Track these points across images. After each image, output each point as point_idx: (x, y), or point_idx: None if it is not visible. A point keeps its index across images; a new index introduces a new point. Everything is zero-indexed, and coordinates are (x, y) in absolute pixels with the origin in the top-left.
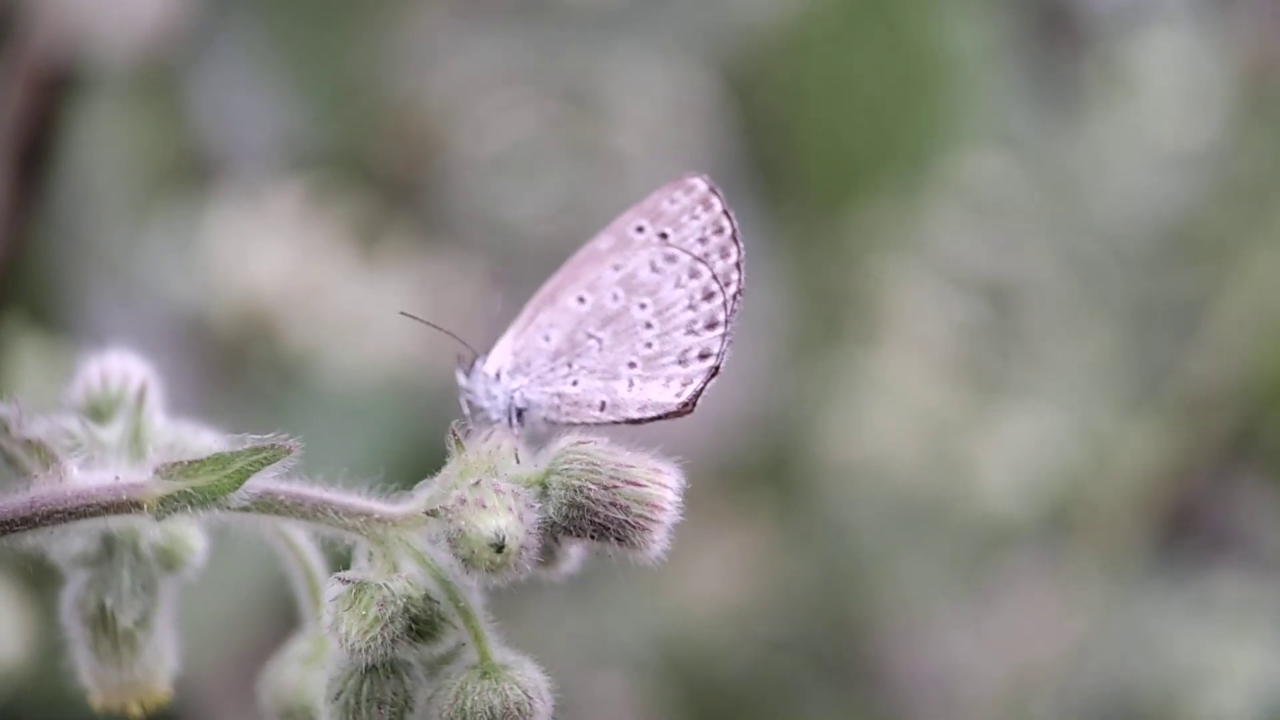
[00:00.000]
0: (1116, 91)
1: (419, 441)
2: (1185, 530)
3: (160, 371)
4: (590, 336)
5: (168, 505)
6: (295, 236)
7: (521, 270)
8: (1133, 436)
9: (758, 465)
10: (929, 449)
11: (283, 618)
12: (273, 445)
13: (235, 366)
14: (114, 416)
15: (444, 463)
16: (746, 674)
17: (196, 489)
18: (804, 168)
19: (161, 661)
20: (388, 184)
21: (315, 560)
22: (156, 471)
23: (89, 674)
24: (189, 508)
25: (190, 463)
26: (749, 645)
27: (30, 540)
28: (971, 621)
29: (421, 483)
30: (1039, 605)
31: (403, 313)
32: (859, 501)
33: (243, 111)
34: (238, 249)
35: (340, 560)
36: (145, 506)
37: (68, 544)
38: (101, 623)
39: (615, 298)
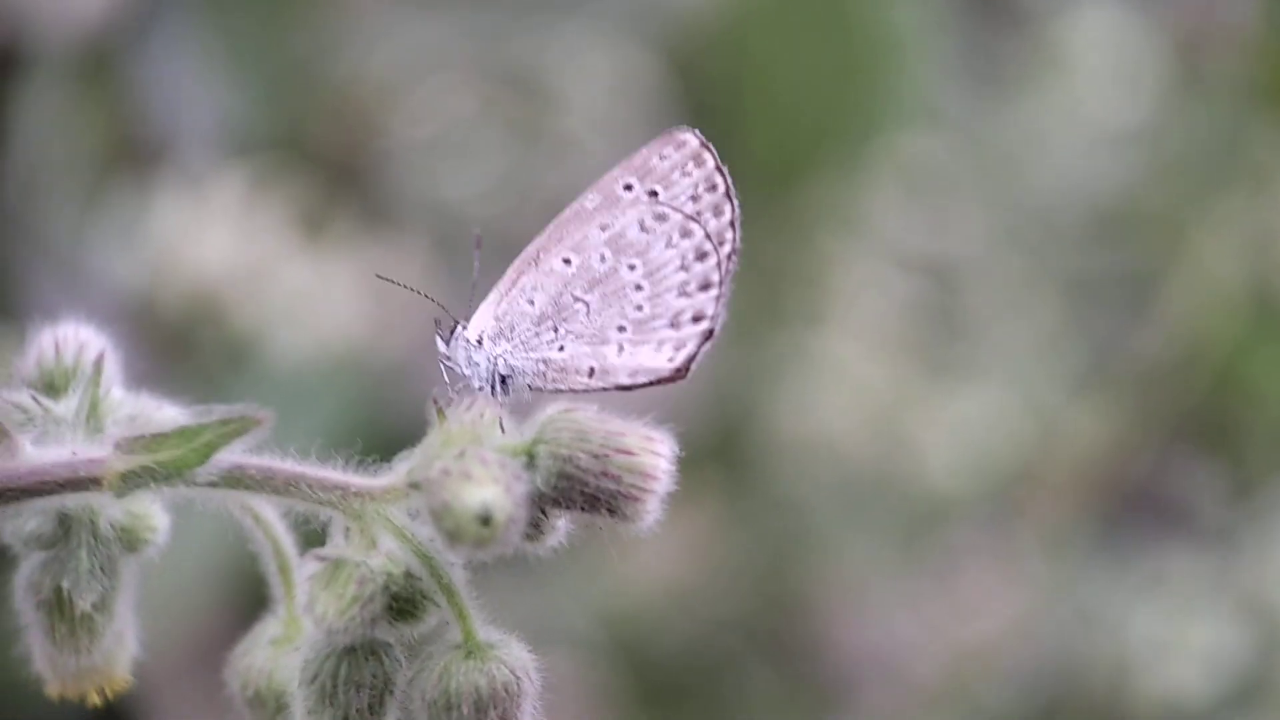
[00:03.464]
0: (1050, 70)
1: (368, 421)
2: (1132, 507)
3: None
4: (577, 300)
5: (129, 482)
6: (239, 220)
7: (464, 251)
8: (1078, 413)
9: (704, 444)
10: (875, 427)
11: (247, 599)
12: (241, 417)
13: (182, 350)
14: (69, 389)
15: (396, 441)
16: (691, 652)
17: (160, 464)
18: (747, 148)
19: (122, 647)
20: (330, 167)
21: (285, 538)
22: (117, 446)
23: (44, 661)
24: (152, 484)
25: (153, 436)
26: (694, 624)
27: None
28: (916, 599)
29: (400, 454)
30: (984, 583)
31: (378, 275)
32: (805, 480)
33: (184, 96)
34: (183, 233)
35: (311, 539)
36: (105, 483)
37: (20, 524)
38: (58, 607)
39: (603, 259)
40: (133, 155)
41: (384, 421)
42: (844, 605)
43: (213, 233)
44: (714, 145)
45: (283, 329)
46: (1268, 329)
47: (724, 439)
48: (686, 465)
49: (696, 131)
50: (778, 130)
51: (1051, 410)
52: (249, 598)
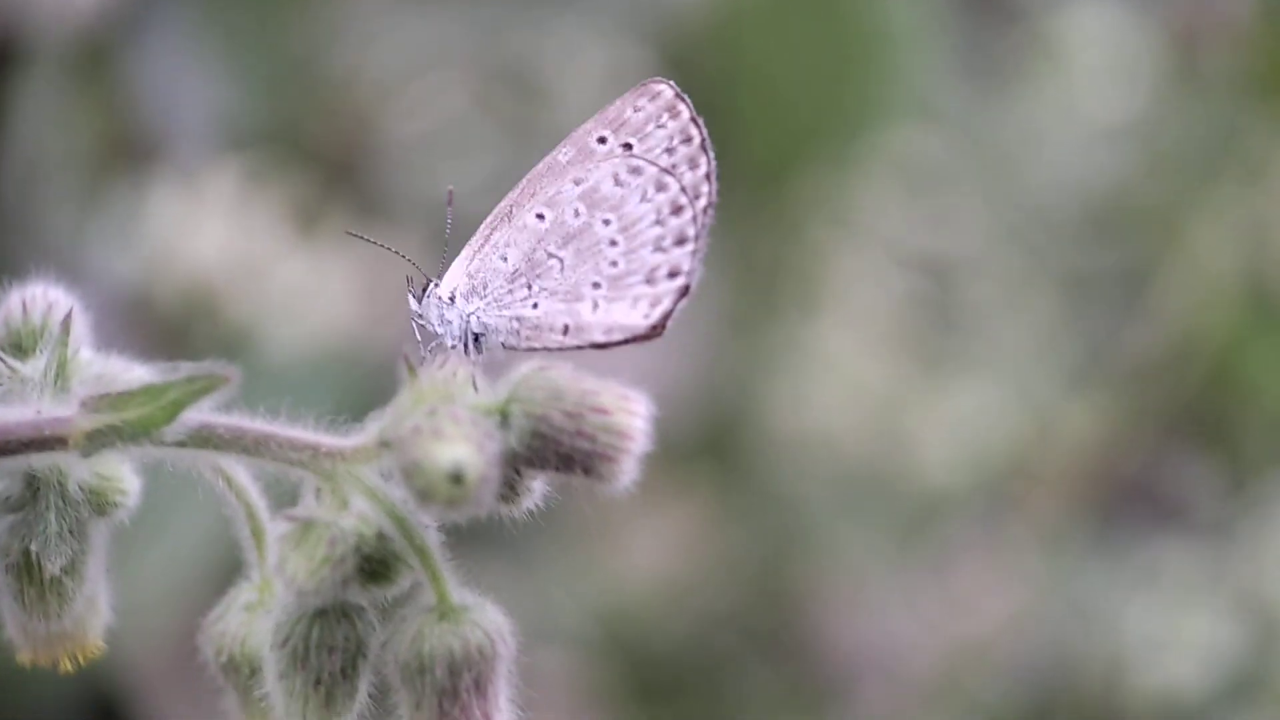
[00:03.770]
0: (1045, 64)
1: (362, 414)
2: (1128, 501)
3: (102, 349)
4: (551, 255)
5: (95, 440)
6: (235, 215)
7: (456, 244)
8: (1073, 408)
9: (698, 439)
10: (870, 422)
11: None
12: (208, 374)
13: (178, 344)
14: (36, 350)
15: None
16: (686, 648)
17: (126, 422)
18: (742, 142)
19: (94, 612)
20: (325, 162)
21: (258, 500)
22: (83, 405)
23: (14, 627)
24: (118, 443)
25: (119, 394)
26: (689, 620)
27: None
28: (912, 594)
29: (371, 414)
30: (980, 578)
31: (349, 232)
32: (800, 475)
33: (180, 91)
34: (178, 228)
35: (286, 501)
36: (70, 442)
37: None
38: (26, 570)
39: (577, 213)
40: (128, 150)
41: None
42: (840, 601)
43: (208, 227)
44: (709, 141)
45: (278, 323)
46: (1263, 323)
47: (719, 434)
48: (682, 460)
49: (671, 82)
50: (773, 125)
51: (1047, 405)
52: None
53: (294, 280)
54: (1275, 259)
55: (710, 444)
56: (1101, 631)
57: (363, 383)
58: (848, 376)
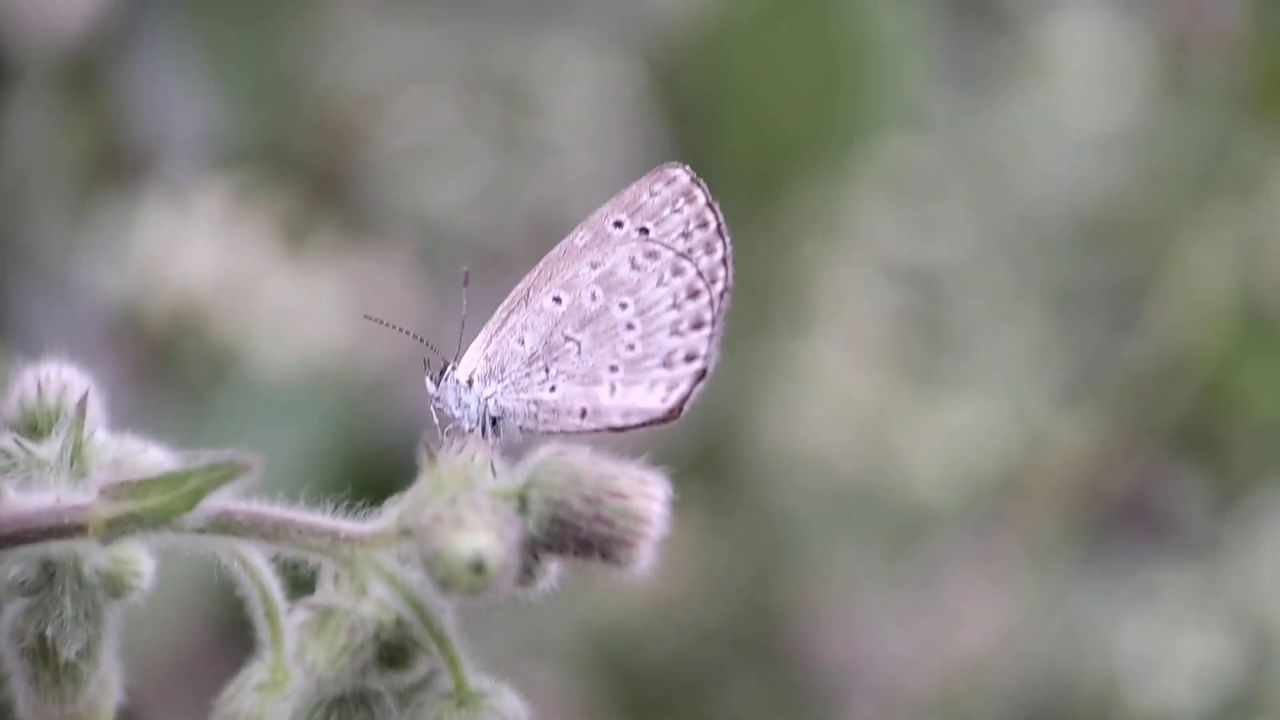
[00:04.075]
0: (1036, 74)
1: (350, 433)
2: (1120, 517)
3: (91, 369)
4: (568, 339)
5: (115, 528)
6: (223, 231)
7: (446, 261)
8: (1065, 423)
9: (689, 454)
10: (861, 437)
11: (231, 614)
12: (229, 462)
13: (166, 362)
14: (52, 431)
15: (378, 455)
16: (675, 662)
17: (147, 510)
18: (731, 155)
19: (106, 694)
20: (314, 178)
21: (272, 583)
22: (102, 492)
23: (28, 709)
24: (138, 531)
25: (140, 482)
26: (678, 633)
27: None
28: (903, 611)
29: (390, 499)
30: (972, 594)
31: (367, 316)
32: (790, 490)
33: (168, 107)
34: (166, 244)
35: (298, 582)
36: (90, 530)
37: (3, 570)
38: (41, 654)
39: (594, 297)
40: (117, 166)
41: (367, 434)
42: (830, 616)
43: (196, 243)
44: (697, 153)
45: (266, 341)
46: (1256, 338)
47: (709, 449)
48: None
49: (687, 167)
50: (761, 137)
51: (1038, 420)
52: (234, 613)
53: (282, 297)
54: (1268, 274)
55: (701, 459)
56: (1095, 649)
57: (351, 401)
58: (839, 391)
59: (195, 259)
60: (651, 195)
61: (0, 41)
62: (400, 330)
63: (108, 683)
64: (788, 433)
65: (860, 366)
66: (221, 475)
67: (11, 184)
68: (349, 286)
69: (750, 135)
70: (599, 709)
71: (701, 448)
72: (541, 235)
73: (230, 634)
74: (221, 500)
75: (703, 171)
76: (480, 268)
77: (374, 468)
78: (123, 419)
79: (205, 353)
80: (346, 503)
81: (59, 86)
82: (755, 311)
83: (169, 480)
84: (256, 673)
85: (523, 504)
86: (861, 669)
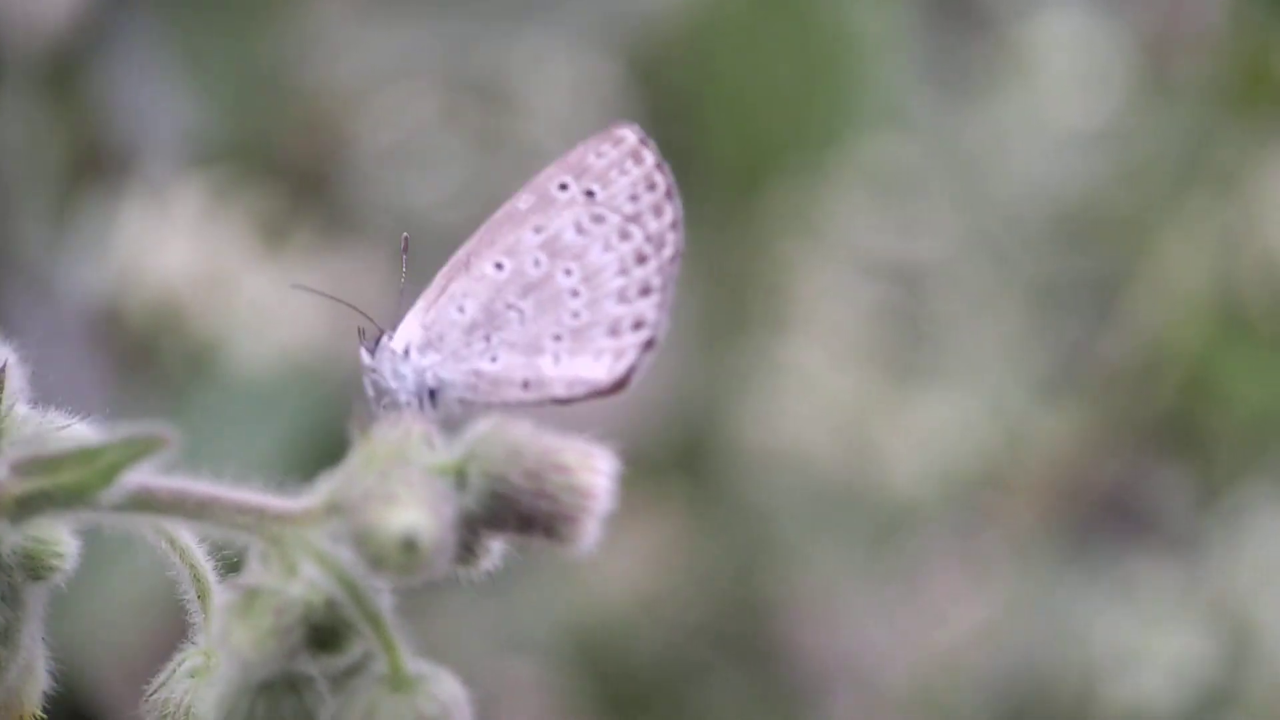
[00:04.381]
0: (1016, 73)
1: (328, 428)
2: (1100, 512)
3: (71, 363)
4: (510, 307)
5: (26, 506)
6: (202, 229)
7: (424, 257)
8: (1045, 419)
9: (668, 452)
10: (841, 433)
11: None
12: (147, 436)
13: (145, 359)
14: None
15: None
16: (657, 659)
17: (59, 487)
18: (712, 154)
19: (31, 679)
20: (293, 176)
21: (204, 562)
22: (13, 468)
23: None
24: (51, 509)
25: (51, 457)
26: (660, 631)
27: None
28: (885, 606)
29: (321, 474)
30: (952, 589)
31: (295, 285)
32: (771, 488)
33: (148, 105)
34: (146, 242)
35: (235, 563)
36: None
37: None
38: None
39: (537, 263)
40: (97, 165)
41: (345, 430)
42: (812, 613)
43: (176, 241)
44: (678, 151)
45: (245, 337)
46: (1235, 333)
47: (689, 446)
48: (652, 474)
49: (635, 127)
50: (742, 136)
51: (1019, 416)
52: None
53: (261, 294)
54: (1248, 270)
55: (681, 457)
56: (1073, 643)
57: (330, 398)
58: (819, 388)
59: (175, 256)
60: (598, 157)
61: None
62: (334, 299)
63: (32, 668)
64: (768, 430)
65: (840, 364)
66: (138, 450)
67: None
68: (328, 283)
69: (731, 133)
70: (581, 706)
71: (682, 445)
72: None
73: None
74: (142, 476)
75: (683, 169)
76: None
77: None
78: (105, 419)
79: (185, 349)
80: (278, 479)
81: (39, 86)
82: (735, 309)
83: (83, 455)
84: (189, 658)
85: (461, 479)
86: (844, 665)
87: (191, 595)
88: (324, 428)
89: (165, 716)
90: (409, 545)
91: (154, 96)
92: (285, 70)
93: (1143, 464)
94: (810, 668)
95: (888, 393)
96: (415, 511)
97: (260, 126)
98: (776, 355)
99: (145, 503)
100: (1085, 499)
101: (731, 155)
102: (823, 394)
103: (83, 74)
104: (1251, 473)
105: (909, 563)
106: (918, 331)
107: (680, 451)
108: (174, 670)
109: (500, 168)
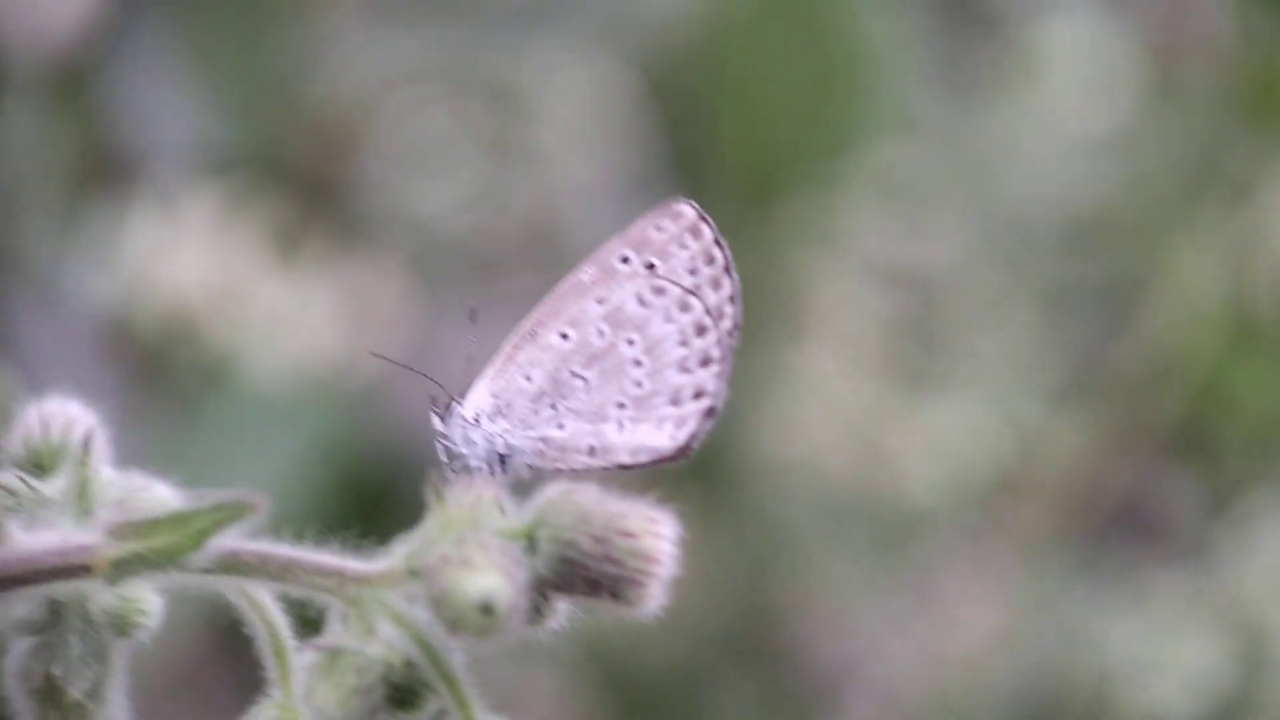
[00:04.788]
0: (1025, 78)
1: (343, 440)
2: (1111, 519)
3: (83, 381)
4: (575, 375)
5: (121, 568)
6: (214, 238)
7: (439, 266)
8: (1057, 426)
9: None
10: (854, 441)
11: (218, 638)
12: (236, 502)
13: (157, 370)
14: (56, 468)
15: (370, 464)
16: (670, 667)
17: (153, 551)
18: (724, 162)
19: None
20: (305, 184)
21: (280, 621)
22: (108, 532)
23: None
24: (145, 571)
25: (146, 522)
26: (673, 639)
27: None
28: (897, 614)
29: (398, 537)
30: (965, 597)
31: (373, 353)
32: (785, 495)
33: (159, 114)
34: (157, 252)
35: (306, 620)
36: (96, 570)
37: (9, 610)
38: (49, 694)
39: (601, 334)
40: (107, 173)
41: (359, 441)
42: (825, 619)
43: (187, 251)
44: (690, 159)
45: (258, 348)
46: (1246, 341)
47: (704, 455)
48: (667, 481)
49: (694, 204)
50: (754, 144)
51: (1031, 423)
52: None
53: (275, 304)
54: (1258, 277)
55: (694, 464)
56: (1087, 651)
57: (344, 409)
58: (832, 396)
59: (186, 266)
60: (658, 230)
61: None
62: (405, 367)
63: None
64: (782, 437)
65: (853, 371)
66: (228, 515)
67: (1, 191)
68: (342, 293)
69: (743, 141)
70: (596, 713)
71: (696, 453)
72: (535, 240)
73: (224, 645)
74: (228, 540)
75: (695, 177)
76: (473, 273)
77: (366, 475)
78: (116, 432)
79: (197, 360)
80: (353, 539)
81: (49, 94)
82: (749, 318)
83: (176, 520)
84: (265, 711)
85: (531, 544)
86: (856, 672)
87: (268, 651)
88: (338, 440)
89: None
90: (486, 609)
91: (164, 104)
92: (296, 77)
93: (1154, 471)
94: (824, 675)
95: (900, 400)
96: (492, 576)
97: (271, 134)
98: (790, 363)
99: (232, 565)
100: (1097, 506)
101: (744, 163)
102: (836, 401)
103: (93, 81)
104: (1263, 480)
105: (922, 570)
106: (930, 339)
107: (694, 459)
108: None
109: (512, 175)
